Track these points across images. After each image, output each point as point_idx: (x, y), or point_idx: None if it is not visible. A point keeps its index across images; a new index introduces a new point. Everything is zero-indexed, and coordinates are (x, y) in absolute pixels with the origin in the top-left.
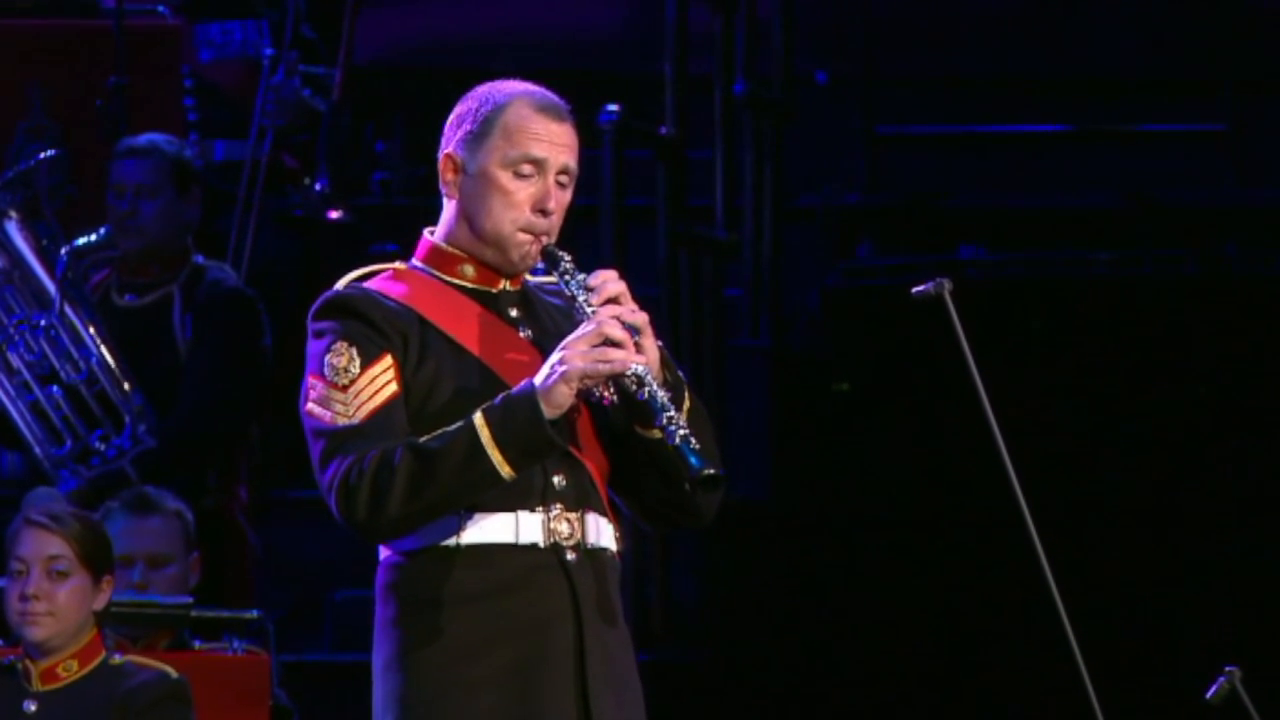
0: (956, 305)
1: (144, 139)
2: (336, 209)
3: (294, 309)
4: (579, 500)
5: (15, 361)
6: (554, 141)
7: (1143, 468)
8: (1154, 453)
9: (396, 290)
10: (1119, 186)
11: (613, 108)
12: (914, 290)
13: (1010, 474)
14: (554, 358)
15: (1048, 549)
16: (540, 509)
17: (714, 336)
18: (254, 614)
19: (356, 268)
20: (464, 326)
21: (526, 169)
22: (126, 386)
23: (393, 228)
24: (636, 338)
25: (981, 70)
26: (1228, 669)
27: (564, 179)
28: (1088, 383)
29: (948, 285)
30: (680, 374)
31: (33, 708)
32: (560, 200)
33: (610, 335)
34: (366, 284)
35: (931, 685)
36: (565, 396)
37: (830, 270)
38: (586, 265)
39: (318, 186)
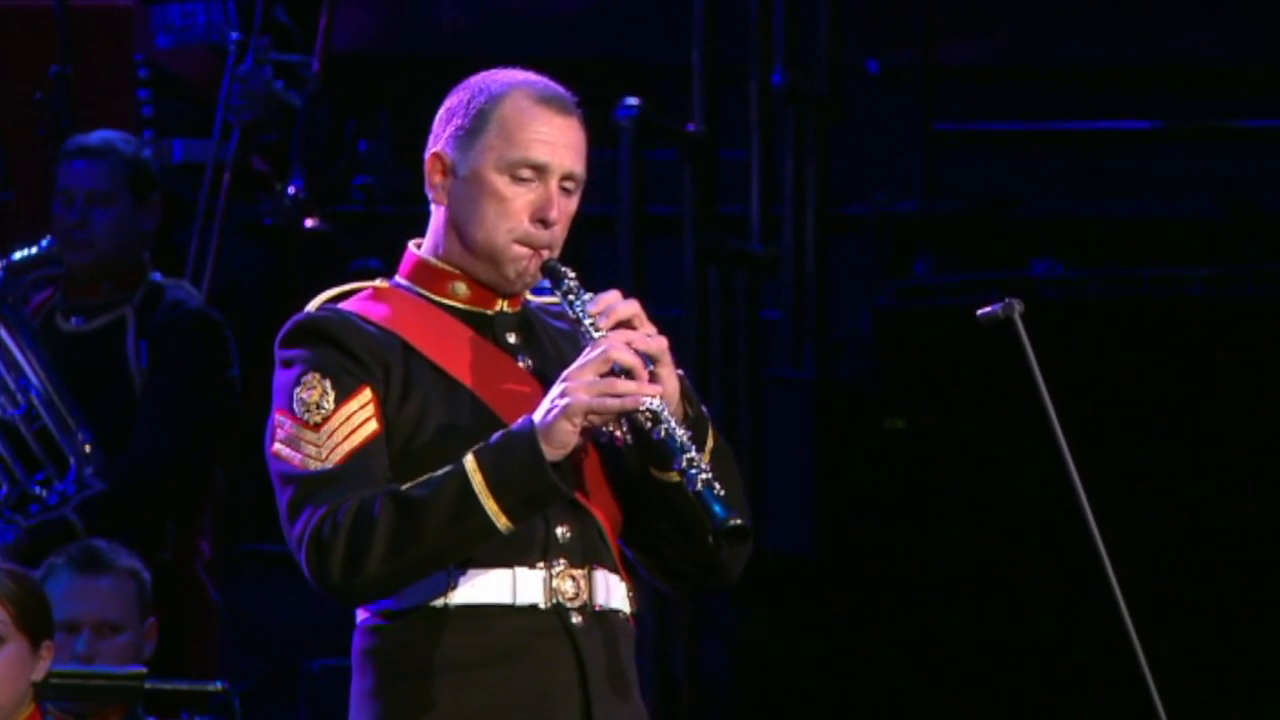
0: (1028, 329)
1: (97, 137)
2: (313, 218)
3: (264, 334)
4: (586, 555)
5: None
6: (557, 142)
7: (1243, 516)
8: (1255, 499)
9: (377, 312)
10: (1216, 192)
11: (632, 101)
12: (979, 312)
13: (1089, 523)
14: (555, 390)
15: (1133, 606)
16: (541, 565)
17: (749, 365)
18: (218, 686)
19: (334, 285)
20: (454, 354)
21: (525, 173)
22: (72, 423)
23: (377, 239)
24: (652, 367)
25: (1056, 59)
26: None
27: (569, 184)
28: (1179, 418)
29: (1018, 306)
30: (703, 409)
31: None
32: (564, 209)
33: (620, 362)
34: (342, 305)
35: None
36: (569, 435)
37: (882, 289)
38: (601, 283)
39: (291, 192)
